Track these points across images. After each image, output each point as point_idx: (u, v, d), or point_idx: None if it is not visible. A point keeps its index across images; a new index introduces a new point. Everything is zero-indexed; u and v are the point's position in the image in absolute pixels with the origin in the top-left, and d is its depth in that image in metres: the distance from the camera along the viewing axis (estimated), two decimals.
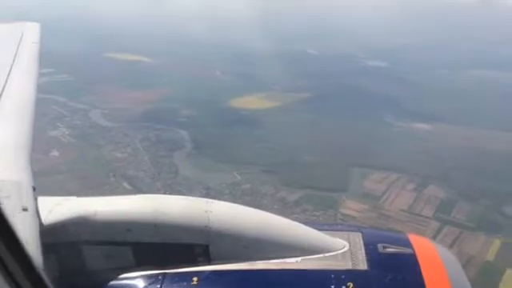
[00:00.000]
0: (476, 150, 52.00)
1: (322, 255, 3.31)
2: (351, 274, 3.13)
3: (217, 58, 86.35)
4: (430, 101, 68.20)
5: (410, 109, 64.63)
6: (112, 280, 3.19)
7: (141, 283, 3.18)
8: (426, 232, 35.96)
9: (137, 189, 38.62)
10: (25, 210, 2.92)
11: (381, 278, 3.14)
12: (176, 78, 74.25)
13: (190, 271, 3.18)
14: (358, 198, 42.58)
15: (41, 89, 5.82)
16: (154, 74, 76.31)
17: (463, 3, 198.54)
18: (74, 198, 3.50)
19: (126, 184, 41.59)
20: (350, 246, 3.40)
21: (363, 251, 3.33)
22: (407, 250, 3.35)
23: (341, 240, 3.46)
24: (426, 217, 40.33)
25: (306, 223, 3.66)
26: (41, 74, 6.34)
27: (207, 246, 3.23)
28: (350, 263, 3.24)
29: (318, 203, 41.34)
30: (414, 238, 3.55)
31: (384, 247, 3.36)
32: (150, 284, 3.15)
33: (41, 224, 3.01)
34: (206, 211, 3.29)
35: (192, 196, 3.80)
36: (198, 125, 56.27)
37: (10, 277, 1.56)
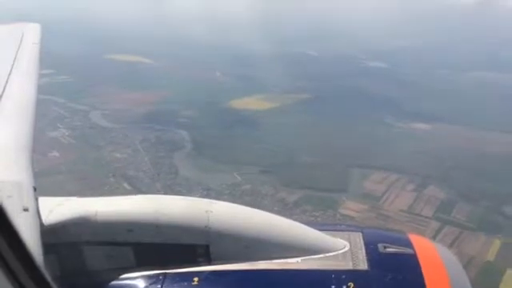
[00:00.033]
0: (476, 151, 51.98)
1: (322, 255, 3.33)
2: (352, 274, 3.15)
3: (217, 60, 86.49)
4: (429, 102, 68.21)
5: (410, 110, 64.64)
6: (113, 280, 3.21)
7: (142, 283, 3.20)
8: (425, 232, 35.87)
9: (136, 189, 38.63)
10: (26, 210, 2.93)
11: (381, 277, 3.16)
12: (176, 80, 74.33)
13: (190, 271, 3.20)
14: (358, 199, 42.51)
15: (41, 90, 5.84)
16: (154, 75, 76.45)
17: (463, 5, 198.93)
18: (74, 199, 3.53)
19: (125, 184, 41.57)
20: (350, 246, 3.42)
21: (364, 251, 3.35)
22: (408, 250, 3.37)
23: (341, 240, 3.48)
24: (426, 217, 40.24)
25: (306, 223, 3.67)
26: (41, 75, 6.37)
27: (208, 246, 3.25)
28: (351, 263, 3.26)
29: (317, 204, 41.29)
30: (414, 238, 3.57)
31: (384, 247, 3.38)
32: (150, 284, 3.17)
33: (41, 224, 3.03)
34: (207, 211, 3.30)
35: (192, 197, 3.82)
36: (197, 126, 56.32)
37: (12, 275, 1.56)
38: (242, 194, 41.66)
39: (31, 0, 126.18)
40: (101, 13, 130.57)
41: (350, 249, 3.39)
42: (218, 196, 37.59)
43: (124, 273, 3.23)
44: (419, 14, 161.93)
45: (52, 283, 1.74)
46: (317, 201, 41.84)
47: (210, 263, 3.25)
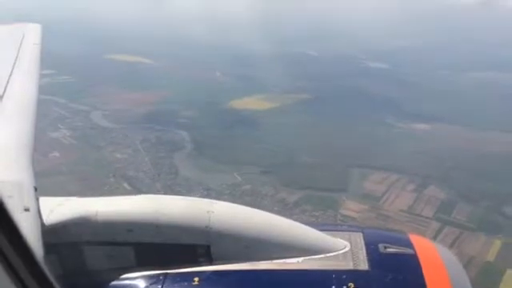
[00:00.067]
0: (476, 151, 51.93)
1: (323, 255, 3.32)
2: (352, 274, 3.15)
3: (217, 60, 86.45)
4: (430, 102, 68.18)
5: (410, 110, 64.59)
6: (113, 280, 3.22)
7: (142, 283, 3.20)
8: (426, 232, 35.86)
9: (136, 189, 38.55)
10: (26, 210, 2.93)
11: (382, 278, 3.15)
12: (176, 80, 74.30)
13: (191, 271, 3.20)
14: (358, 199, 42.47)
15: (42, 90, 5.83)
16: (154, 75, 76.34)
17: (463, 5, 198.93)
18: (75, 199, 3.54)
19: (126, 185, 41.56)
20: (351, 246, 3.41)
21: (364, 251, 3.35)
22: (408, 251, 3.36)
23: (342, 240, 3.47)
24: (427, 217, 40.22)
25: (307, 223, 3.66)
26: (42, 76, 6.36)
27: (208, 247, 3.25)
28: (351, 263, 3.25)
29: (317, 204, 41.26)
30: (414, 238, 3.56)
31: (385, 247, 3.37)
32: (151, 284, 3.17)
33: (42, 224, 3.03)
34: (208, 211, 3.30)
35: (192, 197, 3.82)
36: (198, 126, 56.31)
37: (13, 272, 1.57)
38: (242, 194, 41.62)
39: (32, 0, 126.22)
40: (101, 13, 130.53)
41: (351, 249, 3.38)
42: (218, 196, 37.56)
43: (124, 273, 3.23)
44: (419, 14, 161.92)
45: (52, 279, 1.75)
46: (317, 201, 41.81)
47: (210, 263, 3.25)
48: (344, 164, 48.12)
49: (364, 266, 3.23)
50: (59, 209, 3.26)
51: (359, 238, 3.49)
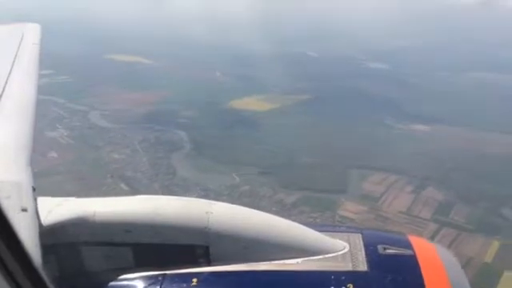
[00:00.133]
0: (475, 152, 51.91)
1: (322, 256, 3.32)
2: (351, 276, 3.15)
3: (217, 60, 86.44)
4: (430, 103, 68.16)
5: (410, 111, 64.59)
6: (111, 281, 3.21)
7: (140, 284, 3.19)
8: (423, 234, 35.85)
9: (134, 190, 38.58)
10: (24, 210, 2.93)
11: (381, 279, 3.15)
12: (176, 80, 74.32)
13: (189, 272, 3.19)
14: (357, 200, 42.49)
15: (40, 90, 5.84)
16: (153, 75, 76.37)
17: (463, 5, 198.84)
18: (73, 199, 3.52)
19: (123, 185, 41.63)
20: (350, 247, 3.41)
21: (363, 252, 3.34)
22: (407, 252, 3.36)
23: (341, 241, 3.47)
24: (424, 219, 40.26)
25: (306, 224, 3.66)
26: (41, 76, 6.36)
27: (207, 247, 3.24)
28: (350, 264, 3.25)
29: (316, 205, 41.29)
30: (414, 240, 3.55)
31: (384, 248, 3.37)
32: (149, 285, 3.16)
33: (40, 225, 3.03)
34: (207, 212, 3.29)
35: (190, 197, 3.81)
36: (197, 126, 56.34)
37: (9, 276, 1.55)
38: (240, 195, 41.64)
39: (31, 0, 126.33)
40: (100, 13, 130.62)
41: (350, 250, 3.38)
42: (216, 197, 37.57)
43: (123, 273, 3.23)
44: (419, 14, 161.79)
45: (49, 283, 1.73)
46: (315, 202, 41.84)
47: (209, 264, 3.24)
48: (343, 165, 48.16)
49: (363, 267, 3.23)
50: (57, 209, 3.25)
51: (358, 239, 3.49)
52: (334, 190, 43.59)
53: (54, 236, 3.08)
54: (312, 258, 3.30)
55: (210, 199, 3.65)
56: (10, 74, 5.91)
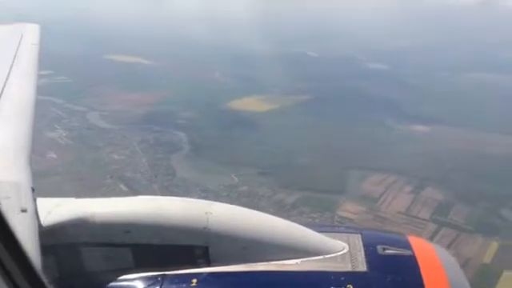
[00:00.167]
0: (475, 153, 51.89)
1: (321, 257, 3.32)
2: (351, 276, 3.15)
3: (216, 60, 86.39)
4: (429, 103, 68.14)
5: (409, 111, 64.56)
6: (111, 281, 3.21)
7: (140, 285, 3.19)
8: (422, 234, 35.84)
9: (133, 190, 38.65)
10: (24, 211, 2.93)
11: (380, 279, 3.16)
12: (175, 80, 74.32)
13: (189, 273, 3.20)
14: (356, 200, 42.50)
15: (39, 90, 5.83)
16: (153, 76, 76.41)
17: (463, 5, 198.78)
18: (72, 200, 3.53)
19: (122, 186, 41.67)
20: (349, 247, 3.42)
21: (363, 253, 3.35)
22: (407, 252, 3.37)
23: (340, 242, 3.48)
24: (423, 219, 40.27)
25: (305, 225, 3.67)
26: (40, 76, 6.35)
27: (207, 248, 3.25)
28: (350, 265, 3.26)
29: (315, 205, 41.30)
30: (413, 240, 3.56)
31: (383, 249, 3.38)
32: (149, 285, 3.17)
33: (40, 225, 3.03)
34: (206, 213, 3.29)
35: (189, 198, 3.81)
36: (196, 127, 56.37)
37: (8, 276, 1.56)
38: (239, 196, 41.62)
39: (30, 0, 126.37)
40: (100, 13, 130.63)
41: (349, 250, 3.39)
42: (216, 197, 37.52)
43: (122, 274, 3.23)
44: (419, 15, 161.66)
45: (47, 284, 1.74)
46: (315, 202, 41.85)
47: (208, 265, 3.25)
48: (342, 165, 48.13)
49: (362, 267, 3.24)
50: (57, 210, 3.26)
51: (357, 240, 3.51)
52: (334, 191, 43.60)
53: (53, 237, 3.08)
54: (311, 258, 3.30)
55: (209, 200, 3.66)
56: (9, 74, 5.91)
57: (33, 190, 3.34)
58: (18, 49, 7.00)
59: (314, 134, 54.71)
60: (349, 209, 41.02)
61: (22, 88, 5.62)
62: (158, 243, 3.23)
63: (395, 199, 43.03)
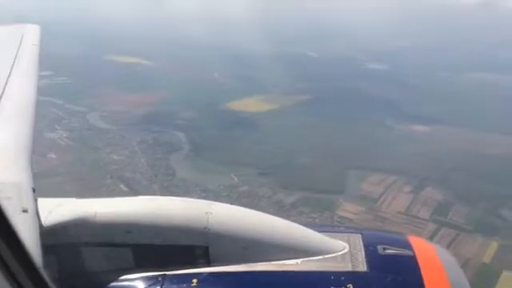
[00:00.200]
0: (475, 153, 51.85)
1: (321, 257, 3.33)
2: (351, 276, 3.16)
3: (216, 61, 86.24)
4: (429, 103, 68.10)
5: (409, 112, 64.53)
6: (112, 281, 3.22)
7: (141, 285, 3.20)
8: (422, 234, 35.81)
9: (133, 191, 38.70)
10: (25, 211, 2.93)
11: (380, 279, 3.17)
12: (175, 81, 74.35)
13: (189, 273, 3.21)
14: (355, 200, 42.49)
15: (40, 91, 5.84)
16: (153, 76, 76.31)
17: (463, 5, 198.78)
18: (73, 200, 3.56)
19: (122, 186, 41.70)
20: (349, 247, 3.43)
21: (363, 253, 3.36)
22: (407, 252, 3.38)
23: (341, 242, 3.49)
24: (423, 219, 40.26)
25: (305, 225, 3.68)
26: (40, 77, 6.35)
27: (207, 248, 3.26)
28: (350, 265, 3.27)
29: (314, 205, 41.30)
30: (413, 240, 3.58)
31: (384, 249, 3.39)
32: (149, 285, 3.18)
33: (41, 225, 3.04)
34: (206, 213, 3.31)
35: (190, 198, 3.82)
36: (196, 127, 56.35)
37: (11, 276, 1.57)
38: (239, 196, 41.60)
39: (31, 1, 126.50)
40: (100, 13, 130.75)
41: (350, 250, 3.40)
42: (215, 198, 37.50)
43: (123, 274, 3.24)
44: (419, 15, 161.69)
45: (51, 283, 1.75)
46: (314, 202, 41.85)
47: (209, 265, 3.25)
48: (342, 165, 48.12)
49: (363, 267, 3.25)
50: (58, 210, 3.27)
51: (358, 240, 3.51)
52: (333, 191, 43.59)
53: (54, 237, 3.09)
54: (311, 258, 3.31)
55: (209, 200, 3.67)
56: (9, 75, 5.90)
57: (34, 190, 3.34)
58: (18, 49, 6.99)
59: (314, 134, 54.71)
60: (348, 209, 41.02)
61: (22, 89, 5.61)
62: (158, 243, 3.24)
63: (395, 199, 43.02)
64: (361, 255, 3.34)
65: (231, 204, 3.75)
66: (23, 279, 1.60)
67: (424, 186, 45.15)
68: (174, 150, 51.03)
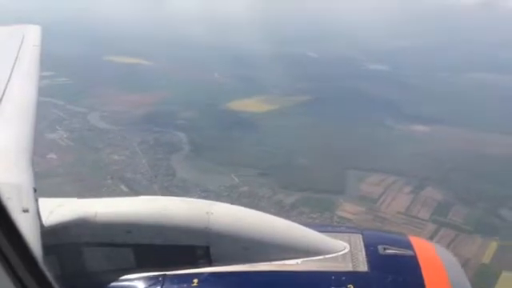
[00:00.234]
0: (475, 153, 51.75)
1: (322, 257, 3.35)
2: (352, 276, 3.18)
3: (216, 61, 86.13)
4: (429, 103, 68.00)
5: (409, 112, 64.44)
6: (112, 281, 3.23)
7: (141, 285, 3.21)
8: (422, 234, 35.73)
9: (134, 191, 38.58)
10: (26, 211, 2.92)
11: (381, 279, 3.18)
12: (175, 81, 74.24)
13: (190, 273, 3.22)
14: (355, 201, 42.40)
15: (40, 92, 5.82)
16: (153, 76, 76.24)
17: (463, 5, 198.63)
18: (74, 200, 3.57)
19: (123, 186, 41.55)
20: (350, 247, 3.44)
21: (364, 253, 3.38)
22: (408, 252, 3.39)
23: (341, 242, 3.50)
24: (423, 219, 40.19)
25: (306, 225, 3.70)
26: (41, 77, 6.34)
27: (208, 248, 3.27)
28: (351, 265, 3.28)
29: (314, 206, 41.22)
30: (414, 240, 3.60)
31: (385, 249, 3.40)
32: (150, 285, 3.19)
33: (41, 225, 3.04)
34: (207, 213, 3.32)
35: (191, 198, 3.84)
36: (196, 128, 56.25)
37: (12, 271, 1.58)
38: (239, 196, 41.48)
39: (32, 2, 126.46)
40: (100, 13, 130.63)
41: (350, 250, 3.41)
42: (216, 198, 37.41)
43: (124, 274, 3.24)
44: (419, 15, 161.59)
45: (51, 279, 1.76)
46: (314, 203, 41.77)
47: (210, 265, 3.26)
48: (342, 166, 48.04)
49: (363, 267, 3.26)
50: (58, 210, 3.27)
51: (359, 240, 3.53)
52: (333, 191, 43.49)
53: (55, 236, 3.10)
54: (312, 258, 3.33)
55: (209, 200, 3.68)
56: (10, 75, 5.88)
57: (35, 190, 3.33)
58: (19, 50, 6.97)
59: (314, 135, 54.65)
60: (348, 209, 40.95)
61: (23, 89, 5.59)
62: (159, 243, 3.24)
63: (395, 199, 42.96)
64: (361, 255, 3.35)
65: (231, 204, 3.77)
66: (25, 277, 1.62)
67: (424, 186, 45.09)
68: (175, 151, 50.92)
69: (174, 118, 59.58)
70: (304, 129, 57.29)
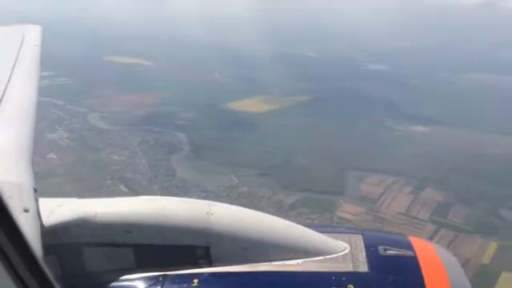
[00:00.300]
0: (475, 153, 51.81)
1: (322, 257, 3.35)
2: (352, 276, 3.18)
3: (216, 61, 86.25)
4: (429, 104, 68.05)
5: (409, 112, 64.49)
6: (112, 281, 3.22)
7: (141, 285, 3.20)
8: (421, 235, 35.75)
9: (134, 191, 38.54)
10: (26, 211, 2.91)
11: (381, 280, 3.18)
12: (175, 81, 74.29)
13: (190, 273, 3.21)
14: (355, 201, 42.38)
15: (41, 92, 5.81)
16: (153, 77, 76.35)
17: (463, 6, 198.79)
18: (74, 200, 3.55)
19: (122, 187, 41.52)
20: (350, 248, 3.44)
21: (364, 253, 3.38)
22: (408, 253, 3.39)
23: (342, 242, 3.50)
24: (423, 220, 40.18)
25: (307, 226, 3.71)
26: (41, 77, 6.32)
27: (208, 248, 3.26)
28: (351, 265, 3.28)
29: (314, 206, 41.19)
30: (414, 240, 3.60)
31: (385, 249, 3.40)
32: (150, 286, 3.18)
33: (42, 225, 3.03)
34: (208, 213, 3.32)
35: (191, 198, 3.83)
36: (196, 128, 56.24)
37: (13, 271, 1.58)
38: (239, 196, 41.48)
39: (32, 2, 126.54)
40: (100, 13, 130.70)
41: (351, 251, 3.41)
42: (216, 198, 37.33)
43: (124, 274, 3.23)
44: (419, 15, 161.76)
45: (51, 278, 1.76)
46: (314, 203, 41.75)
47: (210, 265, 3.25)
48: (342, 166, 48.05)
49: (364, 268, 3.26)
50: (59, 210, 3.26)
51: (359, 240, 3.53)
52: (333, 192, 43.47)
53: (55, 236, 3.09)
54: (313, 258, 3.33)
55: (209, 200, 3.67)
56: (11, 76, 5.86)
57: (35, 190, 3.31)
58: (19, 50, 6.95)
59: (314, 135, 54.67)
60: (348, 210, 40.93)
61: (23, 90, 5.57)
62: (159, 243, 3.23)
63: (394, 200, 42.96)
64: (362, 256, 3.34)
65: (231, 204, 3.77)
66: (26, 276, 1.62)
67: (424, 186, 45.09)
68: (175, 151, 50.90)
69: (173, 118, 59.60)
70: (304, 129, 57.29)
